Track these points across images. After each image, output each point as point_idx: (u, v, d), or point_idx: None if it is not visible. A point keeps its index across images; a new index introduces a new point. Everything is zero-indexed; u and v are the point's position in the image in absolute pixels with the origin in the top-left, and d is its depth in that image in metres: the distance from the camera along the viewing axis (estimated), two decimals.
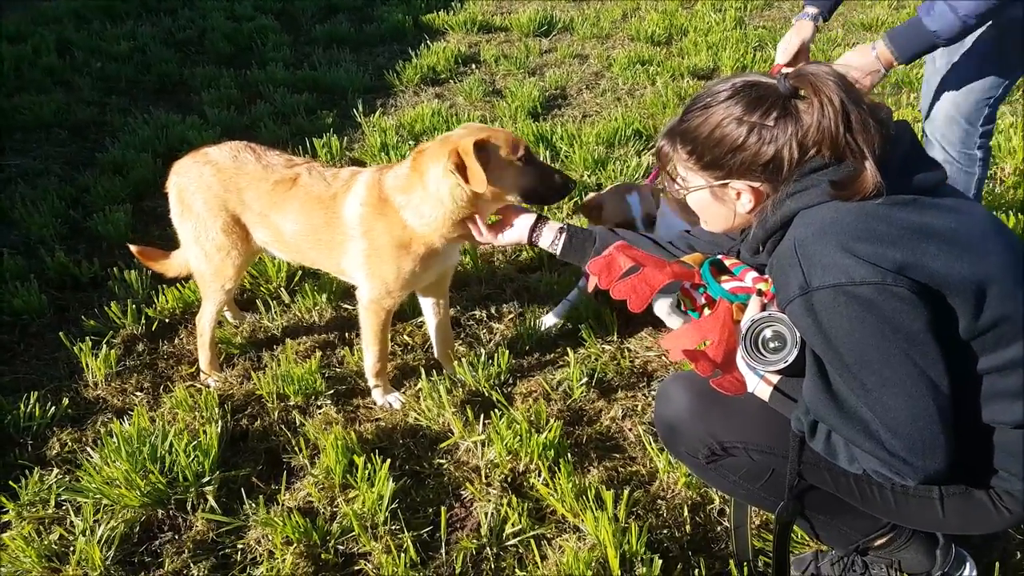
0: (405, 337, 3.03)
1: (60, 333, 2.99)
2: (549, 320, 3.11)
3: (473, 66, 6.01)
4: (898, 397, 1.41)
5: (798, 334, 1.55)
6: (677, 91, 5.20)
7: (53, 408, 2.66)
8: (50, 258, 3.43)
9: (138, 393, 2.81)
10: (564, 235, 2.24)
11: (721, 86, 1.62)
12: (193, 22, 6.91)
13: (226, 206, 2.63)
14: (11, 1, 7.66)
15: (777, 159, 1.55)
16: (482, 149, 2.22)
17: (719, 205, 1.70)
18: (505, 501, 2.26)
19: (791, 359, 1.57)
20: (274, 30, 6.62)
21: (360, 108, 5.05)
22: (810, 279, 1.45)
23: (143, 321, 3.12)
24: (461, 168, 2.22)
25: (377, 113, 5.07)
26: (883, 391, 1.42)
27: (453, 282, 3.34)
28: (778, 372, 1.64)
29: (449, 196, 2.31)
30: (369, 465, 2.31)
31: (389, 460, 2.34)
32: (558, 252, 2.25)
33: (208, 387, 2.80)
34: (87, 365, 2.85)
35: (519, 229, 2.29)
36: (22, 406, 2.62)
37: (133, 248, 2.98)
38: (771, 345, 1.60)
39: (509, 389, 2.75)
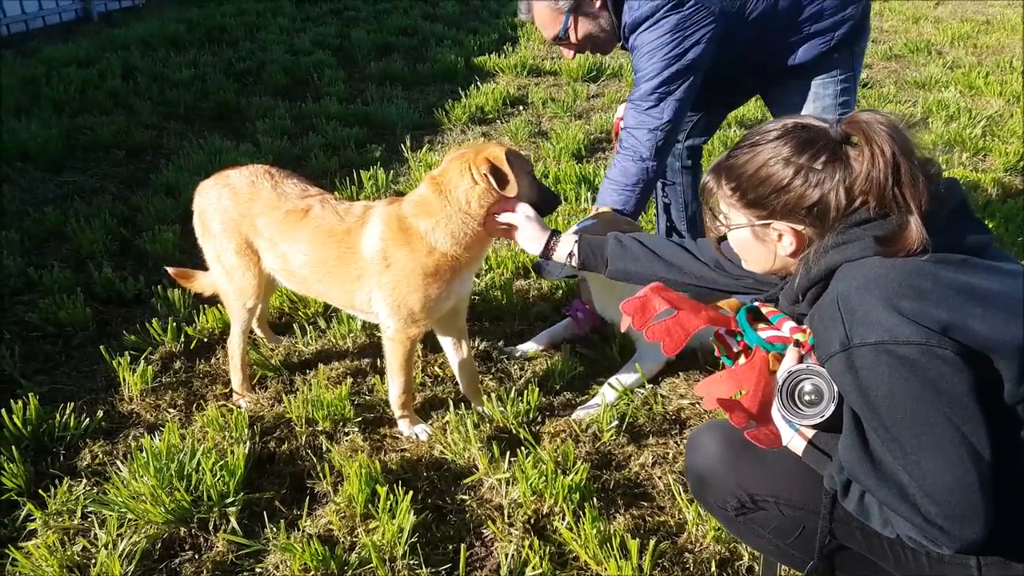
0: (436, 369, 3.03)
1: (101, 347, 3.05)
2: (528, 347, 3.12)
3: (520, 108, 6.09)
4: (938, 462, 1.35)
5: (836, 388, 1.50)
6: (723, 140, 5.19)
7: (88, 420, 2.69)
8: (98, 273, 3.52)
9: (171, 410, 2.84)
10: (579, 247, 2.33)
11: (771, 125, 1.61)
12: (253, 54, 7.15)
13: (239, 229, 2.68)
14: (85, 27, 8.05)
15: (823, 204, 1.52)
16: (508, 159, 2.36)
17: (760, 245, 1.67)
18: (527, 543, 2.21)
19: (828, 414, 1.53)
20: (330, 65, 6.81)
21: (408, 144, 5.14)
22: (852, 335, 1.41)
23: (182, 339, 3.17)
24: (495, 173, 2.34)
25: (424, 149, 5.15)
26: (922, 455, 1.36)
27: (487, 314, 3.35)
28: (814, 427, 1.59)
29: (477, 206, 2.38)
30: (392, 496, 2.29)
31: (412, 492, 2.31)
32: (575, 263, 2.33)
33: (239, 408, 2.82)
34: (124, 379, 2.90)
35: (535, 241, 2.37)
36: (58, 416, 2.67)
37: (170, 270, 3.05)
38: (808, 398, 1.55)
39: (537, 428, 2.72)
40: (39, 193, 4.47)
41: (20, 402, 2.63)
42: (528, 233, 2.38)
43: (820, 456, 1.60)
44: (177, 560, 2.25)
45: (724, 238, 1.77)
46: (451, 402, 2.77)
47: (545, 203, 2.51)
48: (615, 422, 2.66)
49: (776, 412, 1.60)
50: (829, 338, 1.46)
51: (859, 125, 1.50)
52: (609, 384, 2.82)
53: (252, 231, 2.67)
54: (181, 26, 7.86)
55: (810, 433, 1.62)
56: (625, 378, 2.84)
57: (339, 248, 2.55)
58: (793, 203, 1.55)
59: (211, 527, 2.32)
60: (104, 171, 4.85)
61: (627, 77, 6.71)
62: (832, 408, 1.52)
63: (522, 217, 2.38)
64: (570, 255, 2.34)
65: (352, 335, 3.20)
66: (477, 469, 2.50)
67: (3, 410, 2.60)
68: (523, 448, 2.53)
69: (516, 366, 3.08)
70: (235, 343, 2.85)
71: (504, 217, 2.41)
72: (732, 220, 1.68)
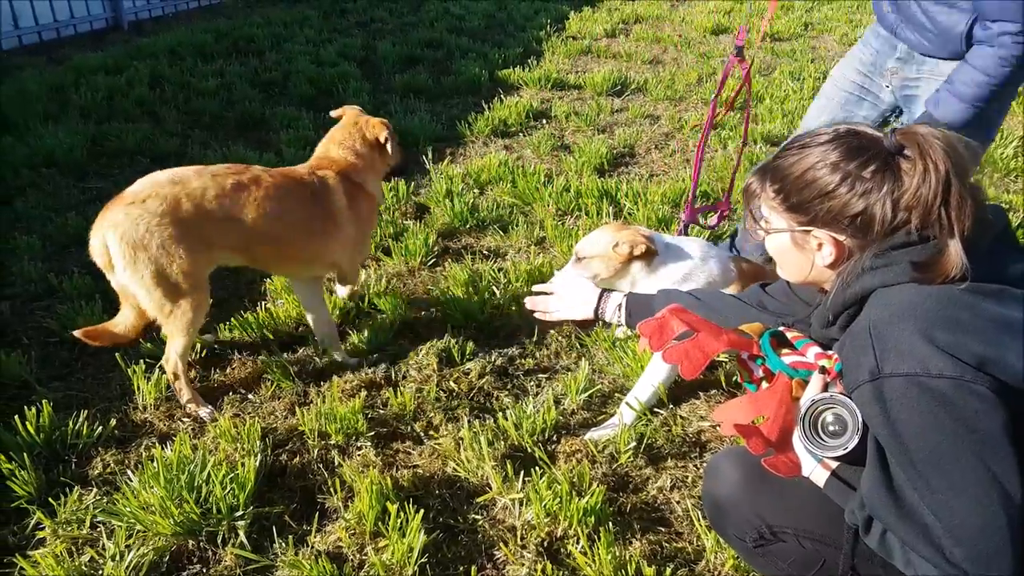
0: (451, 384, 2.98)
1: (117, 354, 3.03)
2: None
3: (543, 121, 6.06)
4: (965, 502, 1.28)
5: (860, 420, 1.44)
6: (749, 156, 5.12)
7: (100, 428, 2.68)
8: None
9: (184, 419, 2.81)
10: (625, 305, 2.31)
11: (823, 129, 1.55)
12: (279, 65, 7.19)
13: (200, 231, 2.60)
14: (115, 35, 8.15)
15: (867, 215, 1.45)
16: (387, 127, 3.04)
17: (797, 252, 1.60)
18: (539, 567, 2.16)
19: (851, 446, 1.46)
20: (355, 77, 6.81)
21: (430, 155, 5.12)
22: (882, 365, 1.34)
23: (198, 349, 3.15)
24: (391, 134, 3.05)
25: (446, 161, 5.13)
26: (949, 494, 1.29)
27: (503, 328, 3.31)
28: (836, 459, 1.53)
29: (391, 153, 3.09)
30: (402, 514, 2.24)
31: (423, 511, 2.26)
32: (622, 320, 2.31)
33: (202, 418, 2.80)
34: (138, 388, 2.88)
35: (584, 306, 2.38)
36: (71, 423, 2.65)
37: (78, 333, 2.74)
38: (831, 428, 1.49)
39: (552, 447, 2.66)
40: (62, 199, 4.50)
41: (34, 409, 2.62)
42: (576, 297, 2.40)
43: (843, 488, 1.54)
44: (184, 574, 2.22)
45: (769, 259, 1.71)
46: (465, 418, 2.72)
47: (404, 165, 3.24)
48: (633, 443, 2.60)
49: (797, 441, 1.55)
50: (858, 366, 1.39)
51: (914, 138, 1.43)
52: (627, 403, 2.75)
53: (212, 225, 2.61)
54: (208, 36, 7.92)
55: (833, 464, 1.56)
56: (642, 394, 2.78)
57: (309, 209, 2.82)
58: (837, 211, 1.48)
59: (219, 540, 2.29)
60: (128, 178, 4.77)
61: (652, 92, 6.66)
62: (856, 440, 1.45)
63: (560, 286, 2.44)
64: (620, 305, 2.32)
65: (368, 348, 3.16)
66: (490, 488, 2.45)
67: (16, 417, 2.59)
68: (537, 468, 2.47)
69: (532, 383, 3.03)
70: (183, 361, 2.76)
71: (545, 294, 2.48)
72: (772, 224, 1.61)
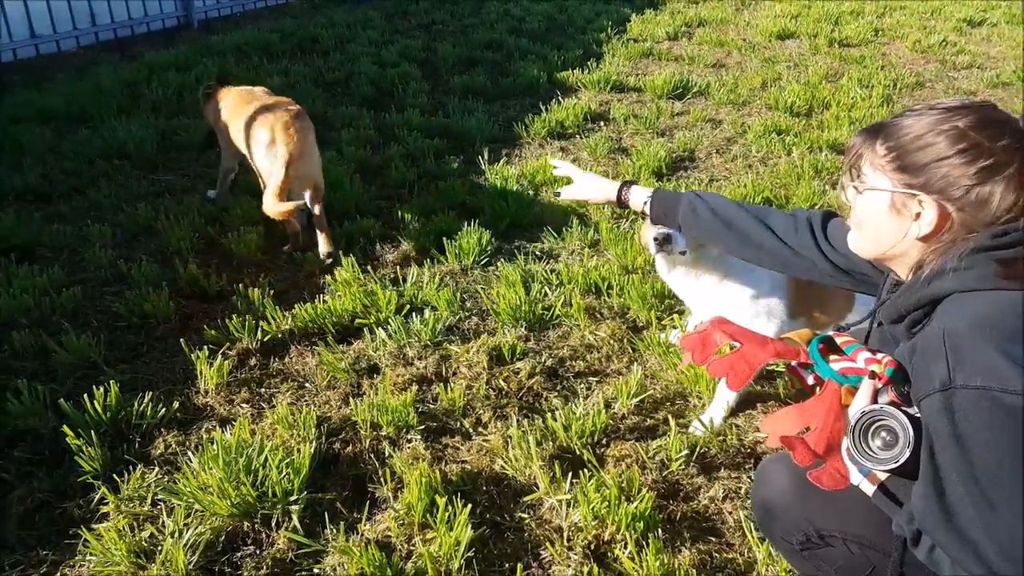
0: (500, 382, 2.99)
1: (181, 340, 3.14)
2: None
3: (601, 123, 6.04)
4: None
5: (911, 433, 1.38)
6: (814, 163, 5.02)
7: (164, 409, 2.77)
8: (183, 269, 3.63)
9: (244, 405, 2.89)
10: (652, 204, 2.34)
11: (950, 99, 1.48)
12: (342, 65, 7.32)
13: None
14: (186, 33, 8.41)
15: (985, 190, 1.37)
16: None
17: (891, 218, 1.50)
18: (586, 570, 2.15)
19: (903, 459, 1.41)
20: (415, 78, 6.90)
21: (486, 156, 5.15)
22: (955, 375, 1.29)
23: (259, 336, 3.23)
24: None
25: (501, 162, 5.15)
26: (1009, 511, 1.24)
27: (555, 332, 3.30)
28: (887, 471, 1.49)
29: None
30: (450, 508, 2.27)
31: (470, 506, 2.28)
32: (649, 210, 2.34)
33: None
34: (201, 373, 2.97)
35: (598, 193, 2.50)
36: (136, 404, 2.75)
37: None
38: (883, 439, 1.44)
39: (602, 450, 2.65)
40: (133, 190, 4.67)
41: (101, 389, 2.73)
42: (594, 183, 2.50)
43: (890, 503, 1.49)
44: (239, 554, 2.28)
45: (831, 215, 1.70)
46: (514, 417, 2.73)
47: None
48: (684, 451, 2.58)
49: (846, 452, 1.51)
50: (929, 375, 1.34)
51: None
52: (699, 420, 2.76)
53: None
54: (275, 35, 8.12)
55: (882, 476, 1.51)
56: (716, 413, 2.79)
57: None
58: (953, 179, 1.39)
59: (274, 524, 2.35)
60: (195, 171, 5.03)
61: (715, 96, 6.58)
62: (907, 454, 1.40)
63: (574, 169, 2.59)
64: (645, 202, 2.36)
65: (420, 343, 3.20)
66: (537, 488, 2.45)
67: (85, 395, 2.70)
68: (586, 470, 2.47)
69: (583, 385, 3.02)
70: None
71: (561, 170, 2.62)
72: (872, 182, 1.52)
